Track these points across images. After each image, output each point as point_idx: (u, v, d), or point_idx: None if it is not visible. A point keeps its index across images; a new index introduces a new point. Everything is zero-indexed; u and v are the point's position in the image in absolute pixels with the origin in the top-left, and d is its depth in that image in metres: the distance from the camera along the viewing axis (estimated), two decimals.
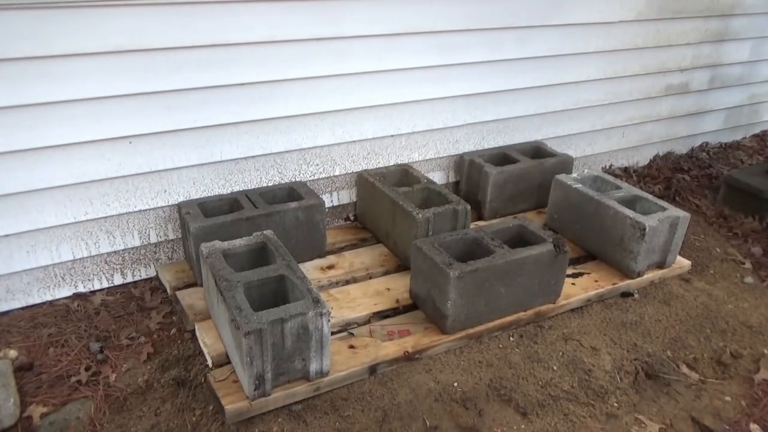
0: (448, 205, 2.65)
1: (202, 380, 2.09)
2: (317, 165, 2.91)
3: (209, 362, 2.14)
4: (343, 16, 2.62)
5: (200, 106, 2.47)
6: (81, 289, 2.55)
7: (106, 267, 2.57)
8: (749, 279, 2.93)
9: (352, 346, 2.22)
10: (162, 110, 2.40)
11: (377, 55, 2.79)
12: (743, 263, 3.05)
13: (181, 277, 2.58)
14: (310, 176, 2.92)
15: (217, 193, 2.69)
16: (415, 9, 2.78)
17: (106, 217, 2.47)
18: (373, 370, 2.15)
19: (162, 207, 2.58)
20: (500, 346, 2.34)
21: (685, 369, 2.31)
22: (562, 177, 2.99)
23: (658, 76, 3.87)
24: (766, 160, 4.39)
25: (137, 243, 2.59)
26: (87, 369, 2.13)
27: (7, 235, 2.30)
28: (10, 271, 2.36)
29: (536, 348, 2.35)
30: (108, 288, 2.60)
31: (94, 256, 2.52)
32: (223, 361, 2.12)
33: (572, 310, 2.58)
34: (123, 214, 2.50)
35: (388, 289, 2.55)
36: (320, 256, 2.75)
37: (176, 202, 2.60)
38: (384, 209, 2.80)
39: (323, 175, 2.95)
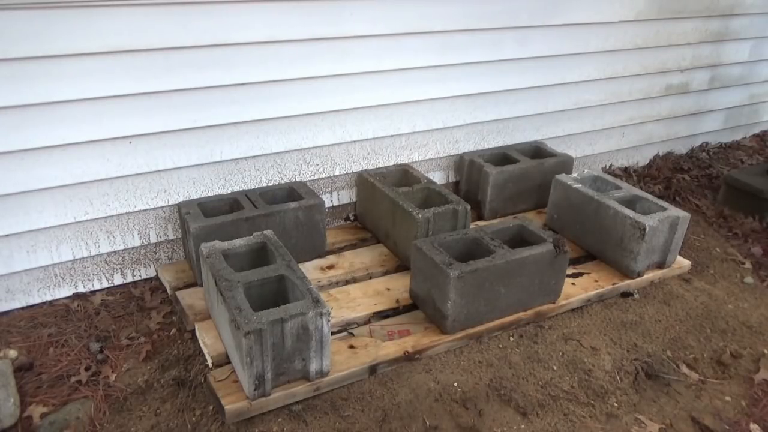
0: (448, 205, 2.65)
1: (202, 380, 2.09)
2: (317, 165, 2.91)
3: (209, 362, 2.14)
4: (343, 16, 2.62)
5: (200, 106, 2.47)
6: (81, 289, 2.55)
7: (106, 267, 2.57)
8: (749, 279, 2.93)
9: (352, 346, 2.22)
10: (162, 110, 2.40)
11: (377, 55, 2.79)
12: (743, 263, 3.05)
13: (181, 277, 2.58)
14: (310, 176, 2.92)
15: (217, 193, 2.69)
16: (416, 9, 2.78)
17: (106, 217, 2.47)
18: (373, 370, 2.15)
19: (162, 207, 2.58)
20: (500, 346, 2.34)
21: (685, 369, 2.31)
22: (562, 177, 2.99)
23: (658, 76, 3.87)
24: (766, 160, 4.39)
25: (137, 243, 2.59)
26: (87, 369, 2.13)
27: (7, 235, 2.30)
28: (10, 271, 2.36)
29: (536, 348, 2.35)
30: (108, 288, 2.60)
31: (94, 256, 2.52)
32: (223, 361, 2.12)
33: (572, 310, 2.58)
34: (123, 214, 2.50)
35: (388, 289, 2.55)
36: (320, 256, 2.75)
37: (176, 202, 2.60)
38: (384, 209, 2.80)
39: (323, 175, 2.95)
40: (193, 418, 1.96)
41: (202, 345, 2.22)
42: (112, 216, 2.48)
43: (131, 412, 1.99)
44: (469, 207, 2.68)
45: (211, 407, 1.99)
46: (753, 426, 2.08)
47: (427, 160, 3.25)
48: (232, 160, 2.66)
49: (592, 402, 2.12)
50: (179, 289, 2.51)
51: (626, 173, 4.05)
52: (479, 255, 2.30)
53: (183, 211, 2.49)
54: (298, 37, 2.55)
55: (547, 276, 2.41)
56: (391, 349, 2.21)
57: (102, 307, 2.47)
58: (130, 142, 2.39)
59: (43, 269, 2.44)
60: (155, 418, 1.97)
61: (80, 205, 2.40)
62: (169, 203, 2.59)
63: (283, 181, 2.84)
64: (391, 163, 3.13)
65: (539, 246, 2.36)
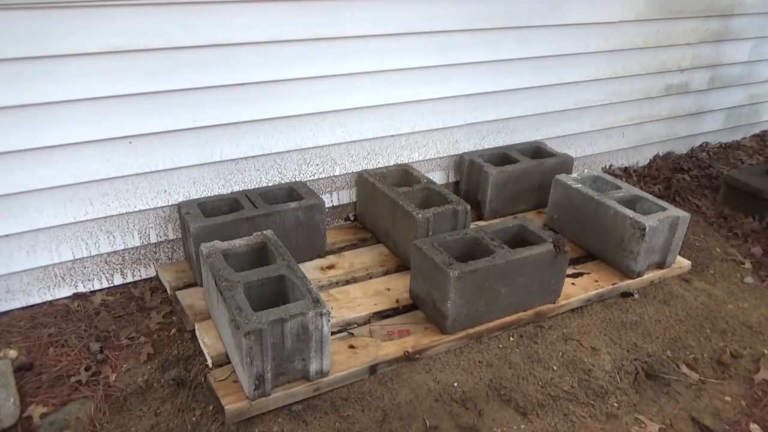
0: (448, 205, 2.65)
1: (202, 380, 2.09)
2: (317, 165, 2.91)
3: (209, 362, 2.15)
4: (343, 15, 2.62)
5: (200, 106, 2.47)
6: (81, 289, 2.55)
7: (106, 267, 2.57)
8: (749, 279, 2.93)
9: (352, 346, 2.22)
10: (162, 110, 2.40)
11: (377, 55, 2.79)
12: (743, 263, 3.05)
13: (181, 277, 2.58)
14: (310, 176, 2.92)
15: (217, 193, 2.69)
16: (416, 9, 2.78)
17: (106, 217, 2.47)
18: (373, 370, 2.15)
19: (162, 207, 2.58)
20: (500, 346, 2.34)
21: (685, 369, 2.31)
22: (562, 177, 2.99)
23: (658, 76, 3.87)
24: (766, 160, 4.39)
25: (137, 243, 2.59)
26: (87, 369, 2.13)
27: (7, 235, 2.30)
28: (10, 271, 2.36)
29: (536, 348, 2.35)
30: (108, 288, 2.60)
31: (94, 256, 2.52)
32: (223, 361, 2.12)
33: (572, 310, 2.58)
34: (123, 214, 2.50)
35: (388, 289, 2.55)
36: (320, 256, 2.75)
37: (176, 202, 2.60)
38: (384, 209, 2.80)
39: (323, 175, 2.95)
40: (193, 418, 1.96)
41: (202, 345, 2.22)
42: (112, 216, 2.48)
43: (131, 412, 1.99)
44: (469, 207, 2.68)
45: (211, 407, 1.99)
46: (753, 426, 2.08)
47: (427, 160, 3.25)
48: (232, 160, 2.66)
49: (592, 402, 2.12)
50: (179, 289, 2.51)
51: (626, 173, 4.05)
52: (479, 255, 2.30)
53: (183, 211, 2.49)
54: (299, 37, 2.55)
55: (547, 276, 2.41)
56: (391, 349, 2.21)
57: (102, 307, 2.47)
58: (130, 142, 2.39)
59: (43, 269, 2.44)
60: (155, 418, 1.97)
61: (80, 205, 2.40)
62: (169, 203, 2.59)
63: (283, 181, 2.84)
64: (391, 163, 3.13)
65: (539, 246, 2.36)
